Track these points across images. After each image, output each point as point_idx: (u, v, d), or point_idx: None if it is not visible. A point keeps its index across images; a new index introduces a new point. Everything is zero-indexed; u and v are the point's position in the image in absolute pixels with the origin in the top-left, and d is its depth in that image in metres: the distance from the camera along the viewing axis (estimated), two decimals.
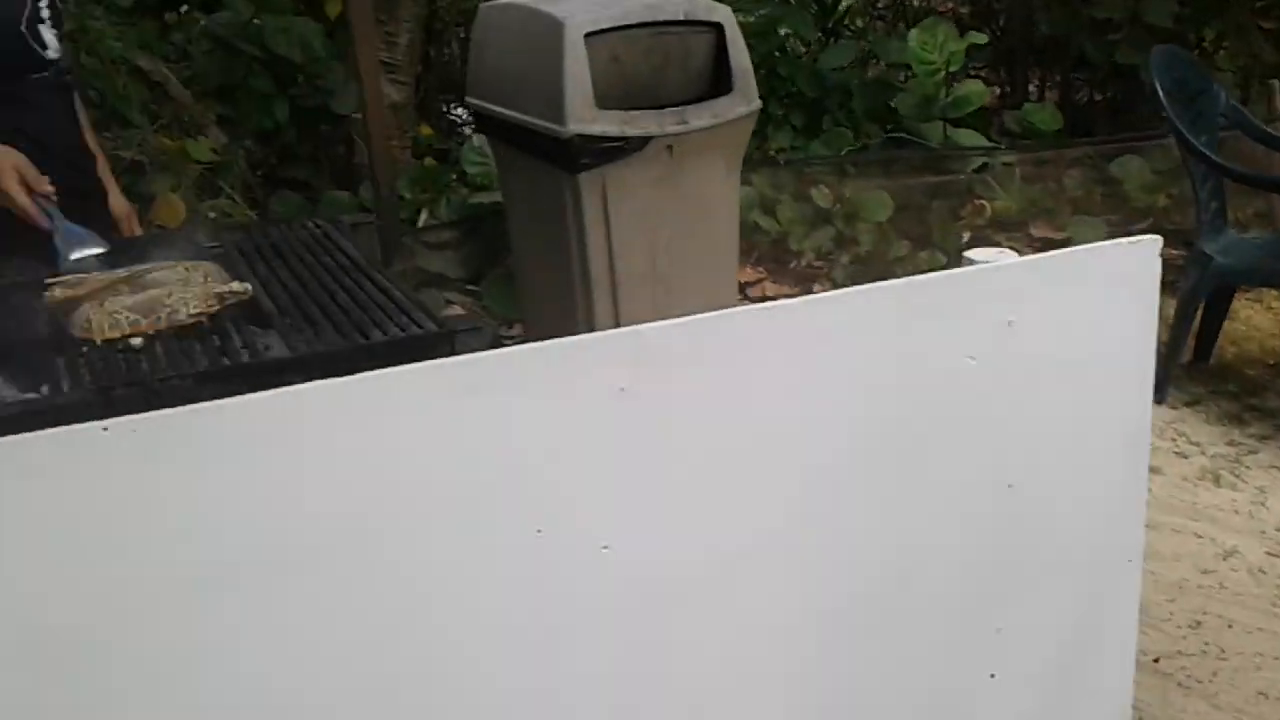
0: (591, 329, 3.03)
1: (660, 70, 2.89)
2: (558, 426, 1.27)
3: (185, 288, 1.49)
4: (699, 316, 1.34)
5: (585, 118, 2.69)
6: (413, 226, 4.28)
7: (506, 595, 1.28)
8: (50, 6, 1.96)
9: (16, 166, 1.69)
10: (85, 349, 1.42)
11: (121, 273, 1.50)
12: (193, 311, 1.46)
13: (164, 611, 1.11)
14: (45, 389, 1.36)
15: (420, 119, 4.93)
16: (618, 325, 2.96)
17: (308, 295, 1.59)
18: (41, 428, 1.09)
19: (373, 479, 1.18)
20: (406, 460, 1.19)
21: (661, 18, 2.81)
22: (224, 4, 4.15)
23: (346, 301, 1.56)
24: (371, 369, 1.36)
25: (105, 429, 1.07)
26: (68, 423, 1.16)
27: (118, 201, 2.18)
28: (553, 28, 2.68)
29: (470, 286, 4.21)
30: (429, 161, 4.57)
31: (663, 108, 2.83)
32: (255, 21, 4.04)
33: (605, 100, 2.74)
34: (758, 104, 2.98)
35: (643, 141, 2.76)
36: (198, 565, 1.11)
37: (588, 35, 2.67)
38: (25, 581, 1.07)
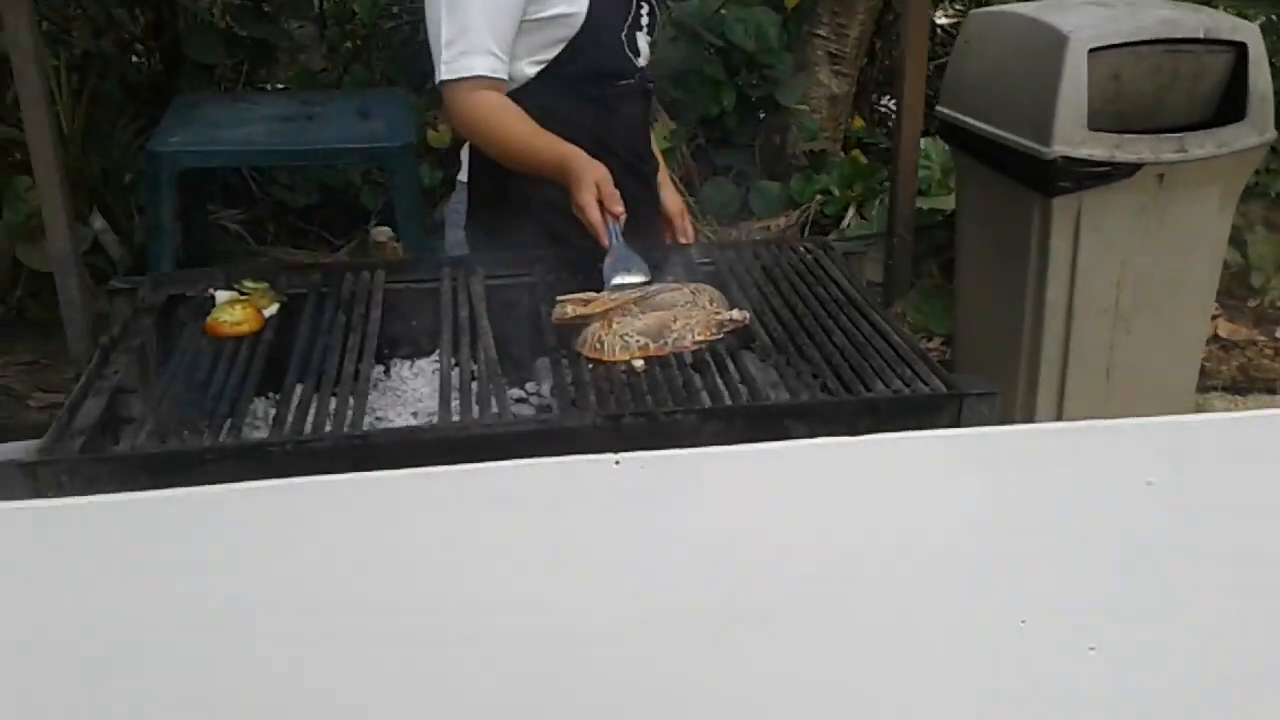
0: (1036, 360, 2.87)
1: (1164, 91, 2.61)
2: (1068, 513, 1.20)
3: (690, 312, 1.48)
4: (1246, 414, 1.21)
5: (1073, 139, 2.49)
6: (837, 225, 4.21)
7: (983, 681, 1.24)
8: (650, 14, 1.94)
9: (599, 181, 1.66)
10: (592, 367, 1.43)
11: (633, 292, 1.51)
12: (696, 339, 1.45)
13: (622, 638, 1.12)
14: (555, 407, 1.39)
15: (854, 110, 4.83)
16: (1065, 359, 2.79)
17: (803, 330, 1.54)
18: (552, 447, 1.13)
19: (859, 539, 1.15)
20: (899, 524, 1.15)
21: (1178, 34, 2.54)
22: None
23: (843, 343, 1.50)
24: (871, 424, 1.32)
25: (617, 462, 1.09)
26: (575, 443, 1.19)
27: (672, 199, 2.09)
28: (1054, 41, 2.48)
29: None
30: (857, 154, 4.46)
31: (1159, 132, 2.58)
32: (721, 11, 4.08)
33: (1096, 120, 2.53)
34: (1273, 134, 2.65)
35: (1132, 169, 2.53)
36: (664, 598, 1.11)
37: (1091, 50, 2.46)
38: (517, 594, 1.09)
